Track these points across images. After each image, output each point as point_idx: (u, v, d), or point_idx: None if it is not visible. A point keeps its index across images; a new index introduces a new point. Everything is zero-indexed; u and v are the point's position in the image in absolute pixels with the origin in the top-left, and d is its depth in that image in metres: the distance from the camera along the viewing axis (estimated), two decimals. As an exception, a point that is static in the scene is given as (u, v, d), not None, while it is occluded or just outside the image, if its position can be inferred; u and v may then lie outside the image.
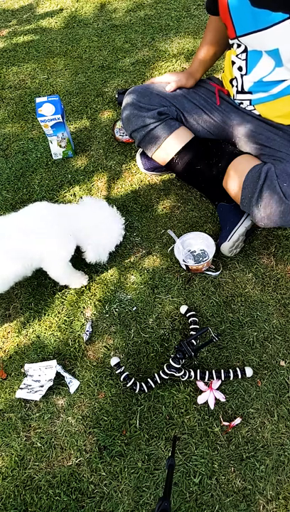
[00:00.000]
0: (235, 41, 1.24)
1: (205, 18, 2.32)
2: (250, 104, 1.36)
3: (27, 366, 1.27)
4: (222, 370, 1.20)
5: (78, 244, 1.32)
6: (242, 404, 1.18)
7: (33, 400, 1.22)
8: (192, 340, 1.20)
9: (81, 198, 1.44)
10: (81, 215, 1.32)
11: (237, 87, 1.35)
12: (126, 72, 2.11)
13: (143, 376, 1.24)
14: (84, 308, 1.38)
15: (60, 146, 1.73)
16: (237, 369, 1.20)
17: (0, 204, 1.66)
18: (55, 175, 1.74)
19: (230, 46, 1.31)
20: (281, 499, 1.06)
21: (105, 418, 1.19)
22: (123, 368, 1.23)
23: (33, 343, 1.33)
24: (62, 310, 1.39)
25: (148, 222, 1.57)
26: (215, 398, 1.17)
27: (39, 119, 1.59)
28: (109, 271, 1.46)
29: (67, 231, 1.26)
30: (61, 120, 1.61)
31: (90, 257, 1.34)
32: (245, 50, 1.23)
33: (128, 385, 1.20)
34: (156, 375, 1.20)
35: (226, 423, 1.15)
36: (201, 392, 1.19)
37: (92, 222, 1.31)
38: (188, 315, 1.31)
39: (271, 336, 1.29)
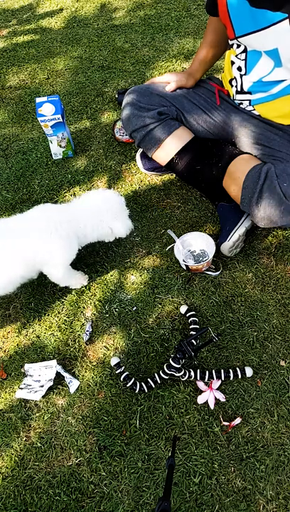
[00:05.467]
0: (235, 41, 1.24)
1: (205, 18, 2.32)
2: (250, 104, 1.36)
3: (27, 366, 1.27)
4: (222, 370, 1.20)
5: (82, 243, 1.32)
6: (242, 404, 1.18)
7: (33, 400, 1.22)
8: (192, 340, 1.20)
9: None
10: (84, 211, 1.29)
11: (236, 87, 1.35)
12: (126, 72, 2.11)
13: (143, 376, 1.24)
14: (84, 308, 1.38)
15: (60, 146, 1.73)
16: (237, 369, 1.20)
17: (0, 204, 1.66)
18: (55, 175, 1.74)
19: (230, 46, 1.31)
20: (281, 499, 1.06)
21: (105, 418, 1.19)
22: (123, 367, 1.23)
23: (33, 343, 1.33)
24: (62, 310, 1.39)
25: (148, 222, 1.57)
26: (215, 398, 1.17)
27: (39, 119, 1.59)
28: (109, 271, 1.46)
29: (70, 232, 1.25)
30: (61, 120, 1.61)
31: (121, 230, 1.31)
32: (244, 51, 1.23)
33: (128, 385, 1.20)
34: (156, 375, 1.20)
35: (226, 423, 1.15)
36: (201, 392, 1.19)
37: (97, 212, 1.29)
38: (188, 315, 1.31)
39: (271, 335, 1.29)
